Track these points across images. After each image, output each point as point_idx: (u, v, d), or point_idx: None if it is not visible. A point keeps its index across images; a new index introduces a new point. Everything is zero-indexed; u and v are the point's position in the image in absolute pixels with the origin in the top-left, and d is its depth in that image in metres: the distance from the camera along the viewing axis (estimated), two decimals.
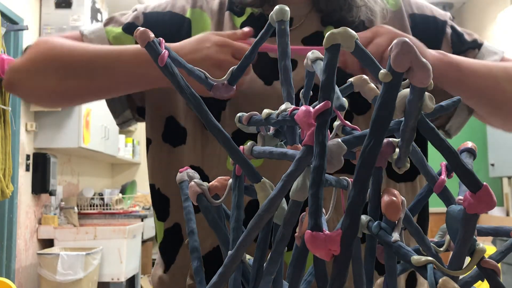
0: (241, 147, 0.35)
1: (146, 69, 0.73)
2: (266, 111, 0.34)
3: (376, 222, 0.29)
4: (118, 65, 0.76)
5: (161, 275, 0.83)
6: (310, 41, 0.82)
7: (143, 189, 5.03)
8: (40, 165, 3.53)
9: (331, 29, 0.83)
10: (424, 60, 0.26)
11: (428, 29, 0.85)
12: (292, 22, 0.84)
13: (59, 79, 0.78)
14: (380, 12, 0.85)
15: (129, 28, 0.85)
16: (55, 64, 0.79)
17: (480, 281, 0.31)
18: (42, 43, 0.82)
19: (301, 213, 0.32)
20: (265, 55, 0.82)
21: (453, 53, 0.82)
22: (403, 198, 0.30)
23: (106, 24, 0.88)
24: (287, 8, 0.37)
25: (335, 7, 0.82)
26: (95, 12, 3.90)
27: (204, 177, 0.77)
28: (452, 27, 0.86)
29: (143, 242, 4.23)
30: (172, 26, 0.85)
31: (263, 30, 0.39)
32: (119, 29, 0.86)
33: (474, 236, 0.28)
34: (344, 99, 0.30)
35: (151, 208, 4.69)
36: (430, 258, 0.26)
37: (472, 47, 0.85)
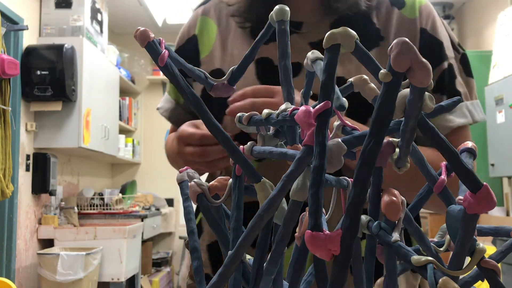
0: (241, 147, 0.35)
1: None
2: (266, 111, 0.34)
3: (376, 222, 0.29)
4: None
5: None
6: (317, 46, 0.82)
7: (143, 189, 5.03)
8: (40, 165, 3.53)
9: None
10: (424, 60, 0.26)
11: (430, 49, 0.83)
12: (302, 26, 0.85)
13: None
14: (384, 18, 0.85)
15: None
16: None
17: (480, 281, 0.31)
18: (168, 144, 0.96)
19: (301, 213, 0.32)
20: (268, 62, 0.82)
21: (435, 89, 0.81)
22: (403, 198, 0.30)
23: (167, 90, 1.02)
24: (287, 8, 0.37)
25: (345, 11, 0.83)
26: (95, 12, 3.90)
27: None
28: (451, 66, 0.83)
29: (143, 242, 4.23)
30: (191, 49, 0.93)
31: (263, 30, 0.39)
32: (170, 84, 0.99)
33: (474, 236, 0.28)
34: (344, 99, 0.30)
35: (151, 208, 4.68)
36: (430, 258, 0.26)
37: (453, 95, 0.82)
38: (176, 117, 0.98)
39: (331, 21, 0.84)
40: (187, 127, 0.81)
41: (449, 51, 0.84)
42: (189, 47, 0.93)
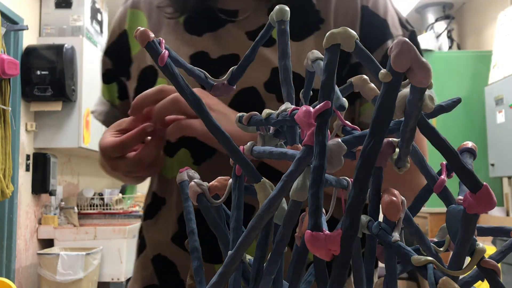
0: (241, 147, 0.35)
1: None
2: (266, 111, 0.34)
3: (376, 222, 0.29)
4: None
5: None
6: (254, 34, 0.76)
7: (143, 189, 5.02)
8: (40, 165, 3.54)
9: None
10: (424, 60, 0.26)
11: (373, 28, 0.77)
12: (237, 14, 0.78)
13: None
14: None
15: (106, 77, 0.88)
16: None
17: (480, 281, 0.31)
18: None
19: (301, 213, 0.32)
20: (204, 56, 0.77)
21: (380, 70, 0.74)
22: (403, 198, 0.30)
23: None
24: (287, 8, 0.37)
25: None
26: (95, 12, 3.90)
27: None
28: None
29: None
30: (123, 45, 0.86)
31: (263, 30, 0.39)
32: (102, 85, 0.89)
33: (474, 236, 0.28)
34: (344, 99, 0.30)
35: None
36: (430, 258, 0.26)
37: None
38: (111, 120, 0.86)
39: (269, 7, 0.78)
40: (105, 139, 0.71)
41: (395, 29, 0.78)
42: (121, 43, 0.86)
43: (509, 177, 3.73)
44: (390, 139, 0.31)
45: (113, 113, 0.88)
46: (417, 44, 0.79)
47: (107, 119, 0.88)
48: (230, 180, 0.36)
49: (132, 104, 0.67)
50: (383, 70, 0.26)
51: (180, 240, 0.75)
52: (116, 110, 0.88)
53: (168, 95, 0.65)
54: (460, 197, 0.30)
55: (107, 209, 4.08)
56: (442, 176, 0.31)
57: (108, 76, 0.88)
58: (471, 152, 0.33)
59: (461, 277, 0.30)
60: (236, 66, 0.40)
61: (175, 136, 0.66)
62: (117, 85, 0.87)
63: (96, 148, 3.79)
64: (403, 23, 0.80)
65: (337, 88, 0.29)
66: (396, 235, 0.28)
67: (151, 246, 0.80)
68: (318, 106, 0.27)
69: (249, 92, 0.72)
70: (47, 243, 3.62)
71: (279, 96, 0.71)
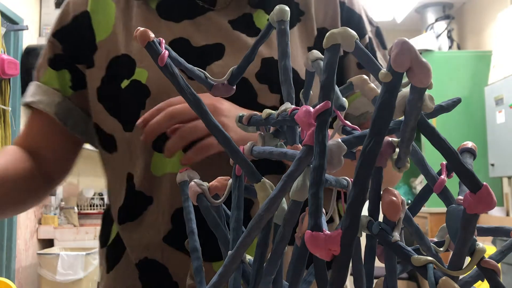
0: (241, 147, 0.35)
1: None
2: (266, 111, 0.34)
3: (376, 222, 0.29)
4: None
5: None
6: (237, 24, 0.75)
7: None
8: None
9: (261, 12, 0.76)
10: (424, 60, 0.26)
11: (352, 23, 0.78)
12: (215, 2, 0.76)
13: None
14: None
15: (55, 63, 0.79)
16: None
17: (480, 281, 0.31)
18: None
19: (301, 213, 0.32)
20: (185, 42, 0.74)
21: (361, 65, 0.75)
22: (403, 198, 0.30)
23: (37, 78, 0.81)
24: (287, 8, 0.37)
25: None
26: None
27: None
28: (370, 40, 0.79)
29: None
30: (82, 29, 0.78)
31: (263, 31, 0.39)
32: (49, 71, 0.79)
33: (474, 236, 0.28)
34: (344, 99, 0.30)
35: None
36: (430, 258, 0.26)
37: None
38: (64, 113, 0.78)
39: None
40: None
41: (367, 25, 0.80)
42: (79, 26, 0.77)
43: (509, 177, 3.73)
44: (390, 139, 0.31)
45: (66, 105, 0.78)
46: (382, 39, 0.82)
47: (60, 112, 0.78)
48: (230, 180, 0.36)
49: (146, 131, 0.64)
50: (383, 70, 0.26)
51: (174, 239, 0.71)
52: (70, 102, 0.78)
53: (179, 120, 0.63)
54: (460, 197, 0.31)
55: None
56: (442, 176, 0.31)
57: (57, 62, 0.79)
58: (471, 152, 0.33)
59: (461, 277, 0.30)
60: (236, 66, 0.40)
61: (197, 159, 0.64)
62: (69, 73, 0.78)
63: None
64: (369, 20, 0.82)
65: (337, 88, 0.29)
66: (396, 235, 0.28)
67: (136, 250, 0.73)
68: (318, 106, 0.27)
69: (241, 83, 0.71)
70: (47, 243, 3.63)
71: (271, 86, 0.71)
